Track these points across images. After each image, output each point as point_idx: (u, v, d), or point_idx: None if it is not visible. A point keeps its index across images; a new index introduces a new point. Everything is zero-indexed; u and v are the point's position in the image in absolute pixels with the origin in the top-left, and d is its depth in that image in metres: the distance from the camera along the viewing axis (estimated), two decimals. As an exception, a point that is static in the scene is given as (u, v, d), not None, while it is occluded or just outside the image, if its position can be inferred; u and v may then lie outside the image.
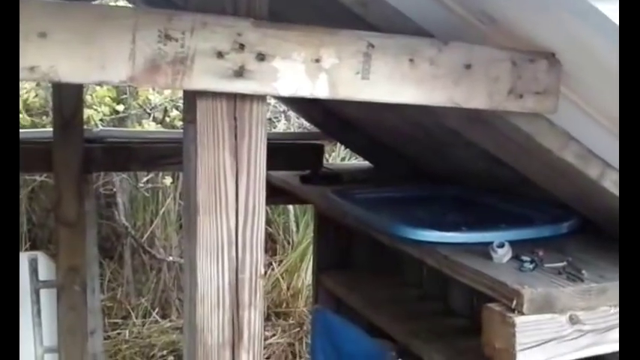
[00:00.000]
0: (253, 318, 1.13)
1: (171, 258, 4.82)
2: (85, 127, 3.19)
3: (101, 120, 3.96)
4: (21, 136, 2.87)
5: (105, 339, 4.43)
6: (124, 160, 2.71)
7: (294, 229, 4.96)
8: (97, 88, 4.11)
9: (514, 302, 1.35)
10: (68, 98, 2.34)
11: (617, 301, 1.41)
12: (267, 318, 4.57)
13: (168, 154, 2.72)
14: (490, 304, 1.41)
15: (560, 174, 1.43)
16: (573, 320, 1.39)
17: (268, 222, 5.14)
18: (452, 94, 1.15)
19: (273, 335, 4.32)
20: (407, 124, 2.02)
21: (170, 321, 4.73)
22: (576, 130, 1.32)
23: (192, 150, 1.07)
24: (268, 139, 3.10)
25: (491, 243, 1.54)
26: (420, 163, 2.51)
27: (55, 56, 0.90)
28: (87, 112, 3.74)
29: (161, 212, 4.76)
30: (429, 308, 2.54)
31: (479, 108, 1.18)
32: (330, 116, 2.66)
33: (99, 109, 3.93)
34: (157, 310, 4.78)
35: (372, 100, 1.12)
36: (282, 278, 4.74)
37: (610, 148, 1.34)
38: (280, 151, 2.85)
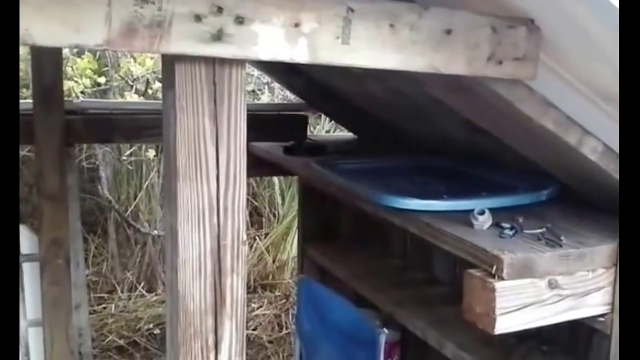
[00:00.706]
0: (236, 284, 1.13)
1: (155, 232, 4.81)
2: (66, 99, 3.17)
3: (82, 92, 3.92)
4: (0, 108, 2.85)
5: (91, 313, 4.43)
6: (105, 132, 2.68)
7: (280, 202, 4.96)
8: (78, 60, 4.07)
9: (494, 268, 1.37)
10: (47, 69, 2.31)
11: (594, 266, 1.44)
12: (253, 290, 4.59)
13: (150, 126, 2.69)
14: (471, 270, 1.43)
15: (540, 141, 1.43)
16: (552, 285, 1.41)
17: (254, 195, 5.14)
18: (432, 59, 1.15)
19: (260, 307, 4.35)
20: (389, 93, 2.02)
21: (156, 294, 4.74)
22: (555, 97, 1.33)
23: (172, 116, 1.07)
24: (252, 110, 3.10)
25: (472, 210, 1.55)
26: (403, 134, 2.51)
27: (29, 19, 0.89)
28: (68, 85, 3.70)
29: (145, 186, 4.75)
30: (412, 277, 2.56)
31: (458, 74, 1.18)
32: (312, 87, 2.65)
33: (80, 82, 3.88)
34: (142, 284, 4.78)
35: (352, 65, 1.12)
36: (268, 251, 4.76)
37: (588, 115, 1.35)
38: (264, 122, 2.84)
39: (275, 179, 4.92)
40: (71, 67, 3.98)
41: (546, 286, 1.40)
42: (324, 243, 3.03)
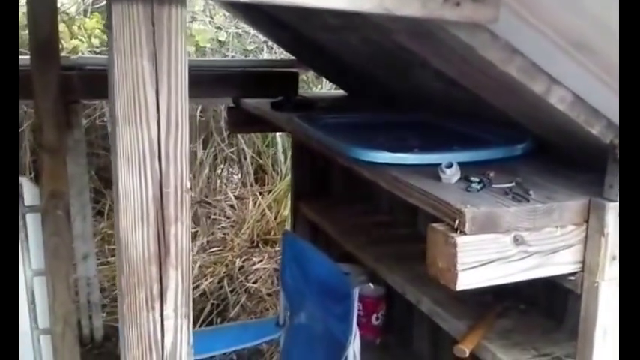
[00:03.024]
0: (180, 233, 1.04)
1: (164, 188, 4.74)
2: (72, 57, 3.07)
3: (91, 52, 3.82)
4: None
5: (104, 264, 4.42)
6: (102, 88, 2.58)
7: (282, 160, 4.87)
8: (87, 19, 3.96)
9: (456, 222, 1.27)
10: (43, 24, 2.20)
11: (563, 223, 1.33)
12: (255, 245, 4.53)
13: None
14: (434, 224, 1.33)
15: (508, 91, 1.32)
16: (518, 241, 1.31)
17: (258, 153, 5.06)
18: (383, 0, 1.03)
19: (260, 261, 4.29)
20: (366, 45, 1.90)
21: (166, 247, 4.69)
22: (521, 43, 1.20)
23: (111, 58, 0.96)
24: (242, 67, 2.98)
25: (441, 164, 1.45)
26: (388, 90, 2.39)
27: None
28: (74, 43, 3.61)
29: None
30: (397, 234, 2.47)
31: (412, 16, 1.06)
32: (300, 41, 2.53)
33: (84, 40, 3.77)
34: (151, 237, 4.73)
35: (298, 4, 1.00)
36: (270, 208, 4.69)
37: (557, 63, 1.23)
38: (254, 79, 2.74)
39: (278, 138, 4.83)
40: (79, 26, 3.87)
41: (511, 242, 1.30)
42: (315, 200, 2.95)
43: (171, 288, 1.05)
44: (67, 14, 3.80)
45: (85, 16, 4.00)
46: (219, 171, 5.08)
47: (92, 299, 3.60)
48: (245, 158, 5.06)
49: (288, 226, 4.52)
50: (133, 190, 0.99)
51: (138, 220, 1.01)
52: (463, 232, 1.26)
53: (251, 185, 5.02)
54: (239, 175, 5.13)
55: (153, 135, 0.98)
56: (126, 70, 0.95)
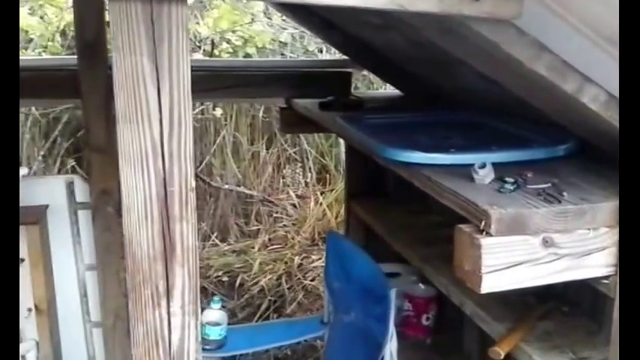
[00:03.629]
0: (186, 231, 1.04)
1: (227, 186, 4.84)
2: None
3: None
4: (48, 63, 2.86)
5: None
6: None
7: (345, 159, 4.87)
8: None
9: (482, 223, 1.23)
10: (90, 24, 2.27)
11: (596, 225, 1.26)
12: (315, 243, 4.55)
13: (201, 81, 2.63)
14: (460, 225, 1.29)
15: (539, 88, 1.26)
16: (548, 243, 1.25)
17: (321, 154, 5.07)
18: (395, -5, 1.00)
19: (319, 259, 4.29)
20: (411, 44, 1.86)
21: (228, 244, 4.78)
22: (550, 39, 1.14)
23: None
24: (294, 67, 2.99)
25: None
26: (439, 89, 2.34)
27: None
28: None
29: (217, 142, 4.76)
30: (447, 234, 2.40)
31: (427, 11, 1.02)
32: (350, 41, 2.51)
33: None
34: (215, 234, 4.82)
35: (310, 2, 0.99)
36: (331, 207, 4.69)
37: (589, 60, 1.16)
38: (306, 79, 2.74)
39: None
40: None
41: (540, 244, 1.25)
42: (369, 199, 2.92)
43: (177, 285, 1.06)
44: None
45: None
46: (282, 171, 5.12)
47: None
48: (308, 158, 5.08)
49: (347, 225, 4.53)
50: (136, 189, 1.00)
51: (142, 219, 1.01)
52: (489, 234, 1.21)
53: (313, 185, 5.03)
54: (301, 175, 5.15)
55: (155, 134, 0.98)
56: (126, 69, 0.95)
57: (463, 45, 1.27)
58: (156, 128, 0.98)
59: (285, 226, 4.82)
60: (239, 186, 4.94)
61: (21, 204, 2.29)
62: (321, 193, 4.88)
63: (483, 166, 1.39)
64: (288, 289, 4.08)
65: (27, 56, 3.88)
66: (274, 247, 4.62)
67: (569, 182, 1.39)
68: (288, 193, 5.02)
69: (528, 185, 1.37)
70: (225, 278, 4.33)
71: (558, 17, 1.11)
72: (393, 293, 1.81)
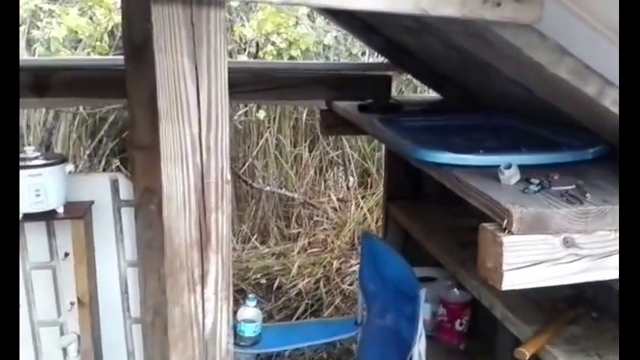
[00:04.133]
0: (221, 221, 1.15)
1: (268, 188, 4.96)
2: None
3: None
4: (96, 62, 3.02)
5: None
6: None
7: (387, 163, 4.95)
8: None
9: (505, 221, 1.31)
10: (137, 25, 2.40)
11: (616, 226, 1.32)
12: (354, 248, 4.66)
13: (243, 82, 2.77)
14: (484, 224, 1.37)
15: (562, 92, 1.33)
16: (568, 243, 1.32)
17: (363, 157, 5.17)
18: (419, 0, 1.09)
19: (358, 263, 4.37)
20: (447, 48, 1.94)
21: (268, 247, 4.90)
22: (572, 43, 1.22)
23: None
24: (335, 70, 3.08)
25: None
26: (477, 93, 2.41)
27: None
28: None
29: (260, 144, 4.90)
30: (482, 238, 2.48)
31: (450, 16, 1.11)
32: (391, 44, 2.60)
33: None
34: (255, 236, 4.95)
35: (333, 6, 1.09)
36: (372, 211, 4.78)
37: (610, 63, 1.23)
38: (347, 82, 2.84)
39: (383, 140, 4.90)
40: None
41: (561, 244, 1.31)
42: (407, 202, 3.01)
43: (211, 272, 1.17)
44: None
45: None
46: (324, 174, 5.23)
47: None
48: (350, 162, 5.18)
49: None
50: (176, 181, 1.12)
51: (181, 209, 1.13)
52: (511, 232, 1.29)
53: (354, 188, 5.13)
54: (343, 178, 5.25)
55: (194, 131, 1.10)
56: (167, 68, 1.07)
57: (489, 49, 1.35)
58: (195, 124, 1.10)
59: (325, 229, 4.92)
60: (281, 188, 5.07)
61: (68, 200, 2.43)
62: (362, 197, 4.97)
63: (509, 166, 1.46)
64: (326, 292, 4.18)
65: (76, 56, 4.07)
66: (313, 250, 4.72)
67: (594, 184, 1.46)
68: (329, 196, 5.13)
69: (553, 187, 1.44)
70: (263, 281, 4.45)
71: (580, 20, 1.18)
72: (422, 293, 1.89)
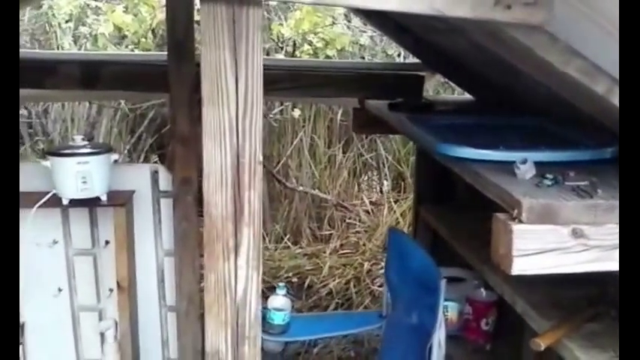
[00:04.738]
0: (252, 198, 1.32)
1: (301, 188, 5.12)
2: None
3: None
4: (140, 58, 3.21)
5: (285, 248, 4.85)
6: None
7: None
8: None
9: (515, 211, 1.44)
10: (180, 24, 2.59)
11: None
12: (385, 250, 4.76)
13: (278, 80, 2.93)
14: (497, 214, 1.51)
15: (575, 90, 1.46)
16: (577, 234, 1.44)
17: (398, 160, 5.29)
18: (432, 1, 1.24)
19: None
20: (475, 48, 2.07)
21: (300, 247, 5.06)
22: (581, 43, 1.33)
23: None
24: (369, 69, 3.21)
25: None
26: (508, 92, 2.52)
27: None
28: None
29: (294, 143, 5.07)
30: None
31: (463, 17, 1.25)
32: (422, 44, 2.73)
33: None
34: (288, 236, 5.12)
35: (353, 5, 1.24)
36: (404, 215, 4.90)
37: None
38: (379, 81, 2.98)
39: (417, 144, 5.02)
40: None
41: (570, 235, 1.44)
42: (437, 205, 3.12)
43: (244, 243, 1.33)
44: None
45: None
46: (357, 176, 5.37)
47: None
48: (384, 165, 5.32)
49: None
50: (214, 159, 1.29)
51: (218, 184, 1.30)
52: (520, 221, 1.43)
53: (388, 192, 5.26)
54: (377, 181, 5.39)
55: (232, 114, 1.27)
56: (211, 60, 1.24)
57: (505, 47, 1.49)
58: (232, 109, 1.27)
59: (357, 232, 5.06)
60: (314, 189, 5.22)
61: (111, 188, 2.59)
62: (396, 202, 5.10)
63: (524, 162, 1.60)
64: (356, 293, 4.32)
65: (121, 52, 4.29)
66: (345, 252, 4.87)
67: (608, 182, 1.58)
68: (362, 199, 5.27)
69: (567, 182, 1.57)
70: (294, 279, 4.61)
71: (590, 21, 1.29)
72: (443, 284, 2.02)
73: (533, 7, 1.27)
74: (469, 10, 1.25)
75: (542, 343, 1.79)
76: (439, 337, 1.99)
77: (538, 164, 1.64)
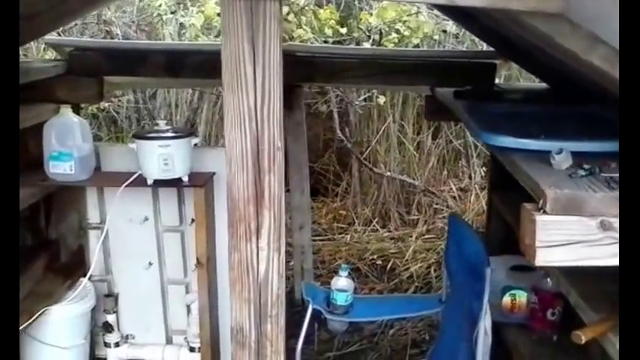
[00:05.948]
0: (272, 182, 1.34)
1: (389, 173, 5.11)
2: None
3: (325, 41, 4.29)
4: (215, 49, 3.28)
5: (330, 240, 4.90)
6: (308, 73, 2.98)
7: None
8: (321, 10, 4.44)
9: (540, 201, 1.39)
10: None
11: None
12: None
13: (350, 68, 2.94)
14: (525, 203, 1.46)
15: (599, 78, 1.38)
16: (605, 226, 1.38)
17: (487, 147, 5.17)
18: (446, -10, 1.21)
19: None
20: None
21: (388, 231, 5.05)
22: (603, 29, 1.27)
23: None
24: (441, 57, 3.15)
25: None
26: (580, 81, 2.40)
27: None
28: (298, 33, 4.12)
29: (382, 129, 5.05)
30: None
31: (476, 6, 1.22)
32: (490, 32, 2.65)
33: (307, 30, 4.20)
34: (376, 219, 5.12)
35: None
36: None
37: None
38: (450, 69, 2.92)
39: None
40: (312, 16, 4.36)
41: (598, 227, 1.38)
42: (509, 192, 3.01)
43: (265, 226, 1.36)
44: (298, 5, 4.33)
45: (320, 7, 4.51)
46: (446, 162, 5.30)
47: (305, 266, 4.01)
48: (473, 152, 5.21)
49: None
50: (235, 145, 1.32)
51: (239, 169, 1.33)
52: (545, 212, 1.38)
53: (479, 178, 5.16)
54: (466, 168, 5.29)
55: (251, 102, 1.30)
56: (230, 49, 1.27)
57: (529, 35, 1.42)
58: (251, 97, 1.30)
59: (444, 217, 5.00)
60: (402, 174, 5.19)
61: (193, 170, 2.68)
62: (483, 189, 4.99)
63: (560, 152, 1.54)
64: (436, 277, 4.27)
65: (202, 42, 4.42)
66: (430, 237, 4.82)
67: (646, 174, 1.50)
68: (450, 185, 5.19)
69: (603, 173, 1.49)
70: (379, 262, 4.61)
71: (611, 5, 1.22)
72: (489, 271, 1.98)
73: (548, -5, 1.21)
74: (482, -1, 1.21)
75: (582, 336, 1.71)
76: (485, 325, 1.95)
77: (581, 154, 1.58)
